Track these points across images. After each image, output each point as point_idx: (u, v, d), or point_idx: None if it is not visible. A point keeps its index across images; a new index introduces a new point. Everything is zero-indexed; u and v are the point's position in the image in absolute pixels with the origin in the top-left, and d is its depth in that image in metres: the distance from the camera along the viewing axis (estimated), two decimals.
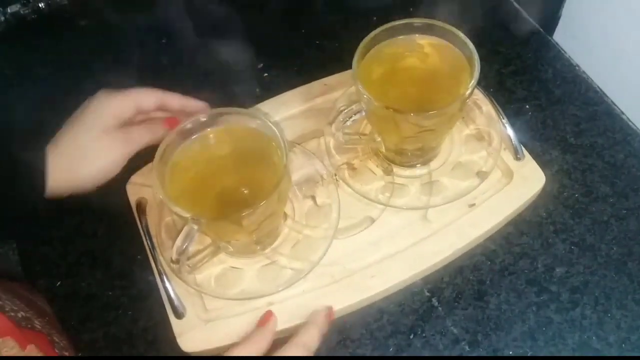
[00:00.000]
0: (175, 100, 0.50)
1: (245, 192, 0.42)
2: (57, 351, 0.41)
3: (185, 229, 0.40)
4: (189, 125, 0.43)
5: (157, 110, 0.50)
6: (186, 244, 0.40)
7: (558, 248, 0.49)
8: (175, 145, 0.43)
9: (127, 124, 0.48)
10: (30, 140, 0.45)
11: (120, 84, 0.62)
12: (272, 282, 0.45)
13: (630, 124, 0.56)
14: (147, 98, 0.49)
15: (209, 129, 0.44)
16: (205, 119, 0.43)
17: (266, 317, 0.43)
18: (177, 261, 0.41)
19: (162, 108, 0.50)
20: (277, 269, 0.46)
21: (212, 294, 0.45)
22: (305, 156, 0.51)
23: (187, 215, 0.38)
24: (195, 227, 0.39)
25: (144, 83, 0.62)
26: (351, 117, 0.46)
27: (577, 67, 0.61)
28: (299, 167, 0.51)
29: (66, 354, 0.41)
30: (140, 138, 0.48)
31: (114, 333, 0.47)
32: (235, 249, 0.47)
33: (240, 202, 0.38)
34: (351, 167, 0.51)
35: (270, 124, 0.42)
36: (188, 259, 0.42)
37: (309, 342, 0.41)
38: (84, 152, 0.46)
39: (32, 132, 0.46)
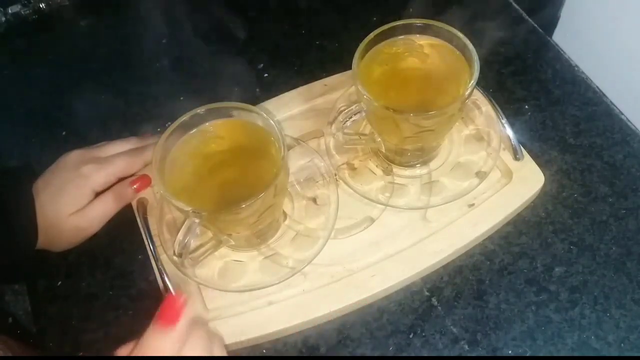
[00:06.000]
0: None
1: (244, 184, 0.43)
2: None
3: (187, 222, 0.40)
4: (187, 120, 0.43)
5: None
6: (188, 238, 0.40)
7: (557, 248, 0.49)
8: (174, 140, 0.43)
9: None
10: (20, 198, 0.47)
11: (119, 85, 0.62)
12: (273, 275, 0.46)
13: (629, 124, 0.56)
14: (130, 168, 0.50)
15: (207, 124, 0.44)
16: (203, 114, 0.43)
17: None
18: (180, 255, 0.41)
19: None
20: (278, 261, 0.47)
21: (215, 287, 0.45)
22: (306, 152, 0.51)
23: (188, 209, 0.39)
24: (197, 220, 0.40)
25: (144, 84, 0.62)
26: (351, 117, 0.46)
27: (576, 68, 0.61)
28: (300, 163, 0.51)
29: (10, 353, 0.41)
30: (110, 209, 0.49)
31: (114, 333, 0.47)
32: (236, 243, 0.47)
33: (240, 195, 0.39)
34: (351, 167, 0.51)
35: (267, 118, 0.42)
36: (190, 253, 0.43)
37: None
38: (58, 233, 0.47)
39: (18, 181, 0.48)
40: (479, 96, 0.53)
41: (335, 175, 0.50)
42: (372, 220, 0.49)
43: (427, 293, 0.48)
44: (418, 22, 0.46)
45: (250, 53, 0.64)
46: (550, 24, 0.63)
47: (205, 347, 0.36)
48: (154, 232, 0.47)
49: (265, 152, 0.43)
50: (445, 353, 0.45)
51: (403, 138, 0.46)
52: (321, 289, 0.45)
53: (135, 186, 0.49)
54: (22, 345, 0.47)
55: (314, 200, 0.49)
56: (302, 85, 0.56)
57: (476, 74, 0.43)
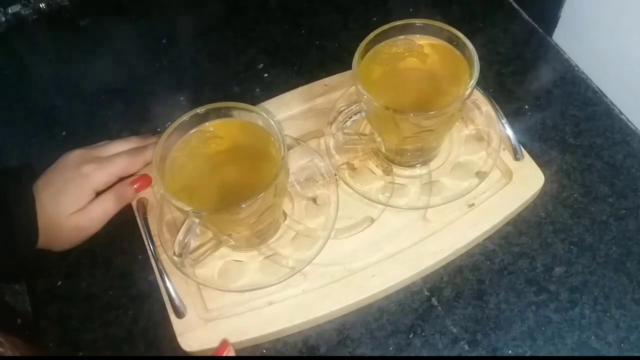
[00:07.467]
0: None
1: (244, 184, 0.43)
2: None
3: (187, 222, 0.40)
4: (187, 120, 0.43)
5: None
6: (188, 238, 0.40)
7: (557, 248, 0.49)
8: (174, 140, 0.43)
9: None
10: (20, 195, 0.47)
11: (119, 85, 0.62)
12: (273, 275, 0.46)
13: (629, 124, 0.56)
14: (131, 168, 0.50)
15: (207, 124, 0.44)
16: (203, 114, 0.43)
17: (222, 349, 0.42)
18: (180, 255, 0.41)
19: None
20: (278, 261, 0.47)
21: (215, 287, 0.45)
22: (306, 152, 0.51)
23: (188, 208, 0.39)
24: (197, 220, 0.40)
25: (144, 84, 0.62)
26: (351, 117, 0.46)
27: (576, 68, 0.61)
28: (300, 163, 0.51)
29: (17, 353, 0.41)
30: (110, 208, 0.49)
31: (114, 333, 0.47)
32: (236, 243, 0.47)
33: (240, 195, 0.39)
34: (351, 167, 0.51)
35: (267, 118, 0.42)
36: (190, 253, 0.43)
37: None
38: (59, 233, 0.47)
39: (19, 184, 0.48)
40: (479, 96, 0.53)
41: (335, 175, 0.50)
42: (372, 220, 0.49)
43: (427, 293, 0.48)
44: (418, 22, 0.46)
45: (250, 53, 0.64)
46: (550, 24, 0.63)
47: None
48: (154, 232, 0.47)
49: (265, 152, 0.43)
50: (445, 353, 0.45)
51: (403, 138, 0.46)
52: (321, 289, 0.45)
53: (135, 186, 0.49)
54: (30, 348, 0.47)
55: (314, 200, 0.49)
56: (302, 85, 0.57)
57: (476, 74, 0.43)
